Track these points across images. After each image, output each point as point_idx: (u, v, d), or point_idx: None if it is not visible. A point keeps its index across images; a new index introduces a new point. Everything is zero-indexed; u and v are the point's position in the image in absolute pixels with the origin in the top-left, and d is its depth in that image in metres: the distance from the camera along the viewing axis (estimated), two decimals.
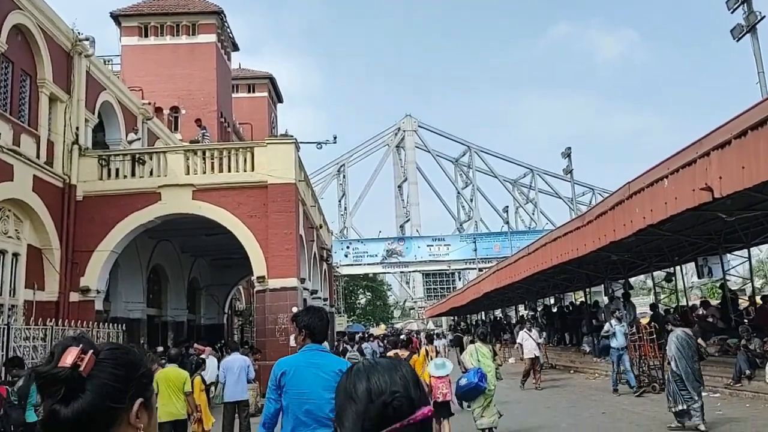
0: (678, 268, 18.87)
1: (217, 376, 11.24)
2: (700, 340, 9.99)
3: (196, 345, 10.83)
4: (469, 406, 9.20)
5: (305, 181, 20.73)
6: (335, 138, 22.06)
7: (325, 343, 4.12)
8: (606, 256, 17.47)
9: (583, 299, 26.51)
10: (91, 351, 1.24)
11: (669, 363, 9.36)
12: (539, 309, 30.05)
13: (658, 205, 11.00)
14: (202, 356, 13.79)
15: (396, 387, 1.17)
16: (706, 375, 12.99)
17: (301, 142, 18.74)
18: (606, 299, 21.03)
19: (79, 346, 1.23)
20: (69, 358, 1.21)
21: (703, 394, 11.69)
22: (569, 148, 27.71)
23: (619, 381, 13.71)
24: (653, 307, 18.83)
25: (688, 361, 9.02)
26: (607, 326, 12.98)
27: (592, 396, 13.11)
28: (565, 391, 14.27)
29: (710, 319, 15.21)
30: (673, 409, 9.08)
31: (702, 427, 8.78)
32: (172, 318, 24.77)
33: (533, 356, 15.99)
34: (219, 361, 12.98)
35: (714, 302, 17.97)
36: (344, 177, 78.57)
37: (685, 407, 8.86)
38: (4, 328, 12.02)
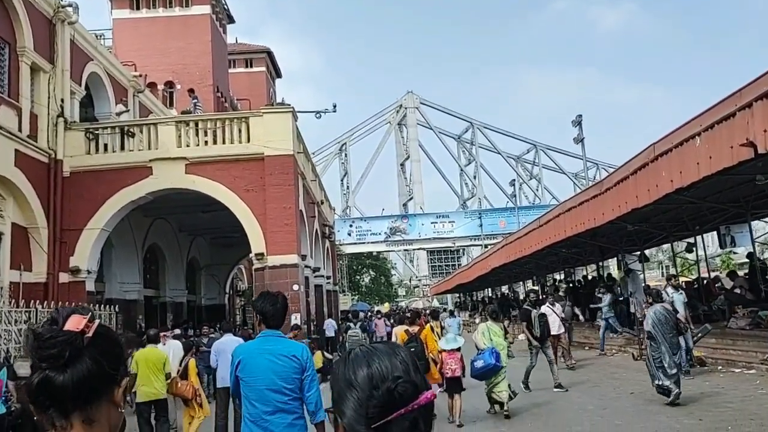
0: (699, 237, 17.93)
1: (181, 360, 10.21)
2: (679, 316, 10.18)
3: (162, 334, 10.14)
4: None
5: (304, 154, 19.77)
6: (335, 106, 21.05)
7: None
8: (622, 226, 16.53)
9: (594, 274, 25.68)
10: (97, 321, 1.25)
11: (647, 339, 9.31)
12: (548, 284, 29.24)
13: (689, 167, 10.05)
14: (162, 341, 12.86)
15: (398, 372, 1.15)
16: (737, 350, 12.25)
17: (299, 112, 17.82)
18: (621, 272, 20.15)
19: (87, 315, 1.25)
20: (76, 324, 1.22)
21: (736, 370, 10.95)
22: (580, 116, 26.59)
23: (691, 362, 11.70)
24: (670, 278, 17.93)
25: (665, 336, 8.88)
26: (662, 296, 11.72)
27: (614, 374, 12.27)
28: (585, 370, 13.44)
29: (738, 291, 14.33)
30: (657, 382, 8.88)
31: (675, 390, 8.56)
32: (171, 299, 24.02)
33: (557, 333, 14.82)
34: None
35: (741, 273, 17.04)
36: (346, 156, 77.56)
37: (660, 383, 8.75)
38: None
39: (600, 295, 18.23)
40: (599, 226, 15.17)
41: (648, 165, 11.57)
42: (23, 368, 8.20)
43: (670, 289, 11.98)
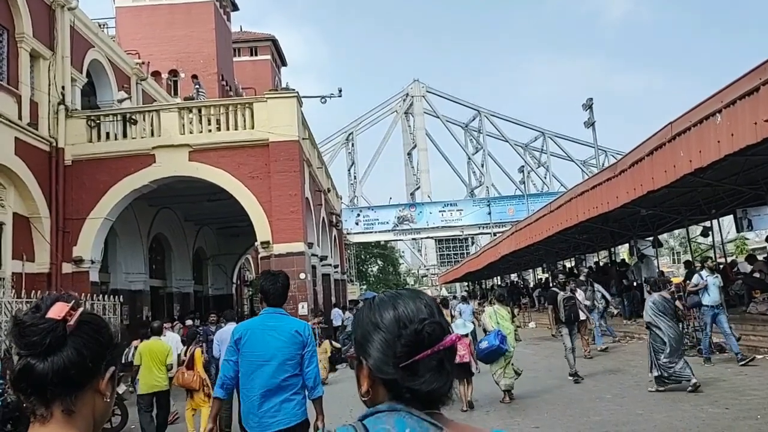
0: (715, 221, 17.50)
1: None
2: (677, 303, 9.93)
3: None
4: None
5: (310, 140, 19.41)
6: (340, 91, 20.63)
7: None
8: (635, 211, 16.14)
9: (606, 260, 25.29)
10: (81, 309, 1.23)
11: (647, 329, 9.26)
12: (558, 270, 28.83)
13: (709, 146, 9.65)
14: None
15: (423, 314, 1.17)
16: (758, 336, 11.87)
17: (304, 97, 17.44)
18: (634, 258, 19.75)
19: (70, 303, 1.22)
20: (58, 311, 1.20)
21: (758, 356, 10.57)
22: (591, 99, 26.06)
23: (711, 348, 11.25)
24: (688, 264, 17.54)
25: (667, 324, 8.82)
26: (696, 278, 11.12)
27: (630, 362, 11.90)
28: (600, 357, 13.06)
29: (757, 275, 13.91)
30: (649, 375, 8.88)
31: (693, 381, 8.38)
32: (177, 289, 23.79)
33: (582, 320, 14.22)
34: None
35: (761, 257, 16.59)
36: (353, 145, 77.06)
37: (660, 373, 8.65)
38: None
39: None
40: (612, 210, 14.79)
41: (665, 145, 11.18)
42: None
43: (705, 272, 11.25)
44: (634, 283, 18.12)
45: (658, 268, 18.72)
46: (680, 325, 9.74)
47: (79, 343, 1.21)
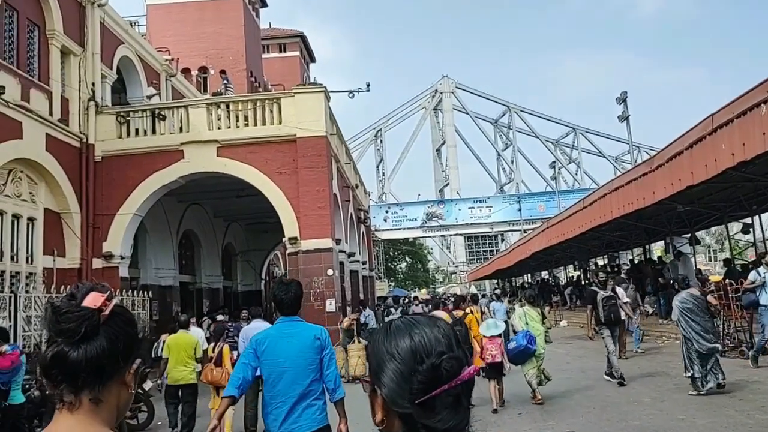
0: (756, 218, 16.87)
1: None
2: (710, 298, 9.42)
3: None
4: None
5: (338, 135, 19.25)
6: (368, 85, 20.43)
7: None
8: (671, 207, 15.63)
9: (640, 258, 24.68)
10: (114, 300, 1.26)
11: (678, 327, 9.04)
12: (591, 269, 28.28)
13: (753, 138, 9.20)
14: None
15: (441, 347, 1.14)
16: None
17: (332, 92, 17.23)
18: (670, 255, 19.19)
19: (104, 293, 1.25)
20: (93, 301, 1.22)
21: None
22: (625, 92, 25.36)
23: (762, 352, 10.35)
24: (727, 262, 16.94)
25: (695, 323, 8.55)
26: (753, 275, 10.43)
27: (667, 363, 11.47)
28: (636, 358, 12.62)
29: None
30: (685, 375, 8.65)
31: (718, 380, 8.18)
32: (206, 285, 23.90)
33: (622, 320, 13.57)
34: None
35: None
36: (381, 142, 76.67)
37: (692, 374, 8.44)
38: (10, 297, 11.03)
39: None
40: (648, 206, 14.32)
41: (706, 138, 10.72)
42: None
43: (762, 269, 10.45)
44: (671, 281, 17.54)
45: (696, 265, 18.13)
46: (714, 322, 9.39)
47: (111, 333, 1.23)
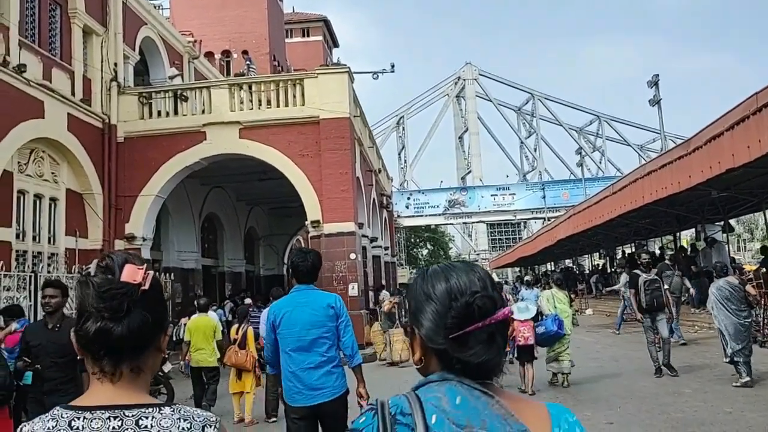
0: None
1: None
2: (749, 287, 9.17)
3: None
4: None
5: (361, 118, 18.92)
6: (393, 66, 19.99)
7: None
8: (704, 193, 15.04)
9: (670, 246, 24.05)
10: (151, 272, 1.25)
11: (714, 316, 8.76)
12: (618, 257, 27.69)
13: None
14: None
15: (475, 287, 1.18)
16: None
17: (356, 72, 16.90)
18: (702, 242, 18.59)
19: (143, 265, 1.25)
20: (132, 275, 1.22)
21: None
22: (656, 76, 24.59)
23: None
24: (764, 250, 16.34)
25: (731, 313, 8.30)
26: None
27: (704, 353, 11.01)
28: (673, 348, 12.04)
29: None
30: (725, 360, 8.45)
31: (744, 378, 7.85)
32: (229, 268, 23.82)
33: None
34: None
35: None
36: (403, 129, 76.16)
37: (732, 358, 8.24)
38: (30, 276, 10.92)
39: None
40: (682, 192, 13.77)
41: (749, 118, 10.18)
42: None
43: None
44: (704, 269, 16.99)
45: (729, 254, 17.54)
46: (751, 313, 8.98)
47: (150, 304, 1.24)
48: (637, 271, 9.58)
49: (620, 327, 16.13)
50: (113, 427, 1.17)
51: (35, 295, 10.79)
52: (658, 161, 15.20)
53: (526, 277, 15.08)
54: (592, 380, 9.05)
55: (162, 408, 1.22)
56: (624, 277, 18.25)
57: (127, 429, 1.18)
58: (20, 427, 1.22)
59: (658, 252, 24.19)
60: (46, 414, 1.20)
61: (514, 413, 1.10)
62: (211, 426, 1.23)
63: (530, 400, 1.21)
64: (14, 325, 6.31)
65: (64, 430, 1.17)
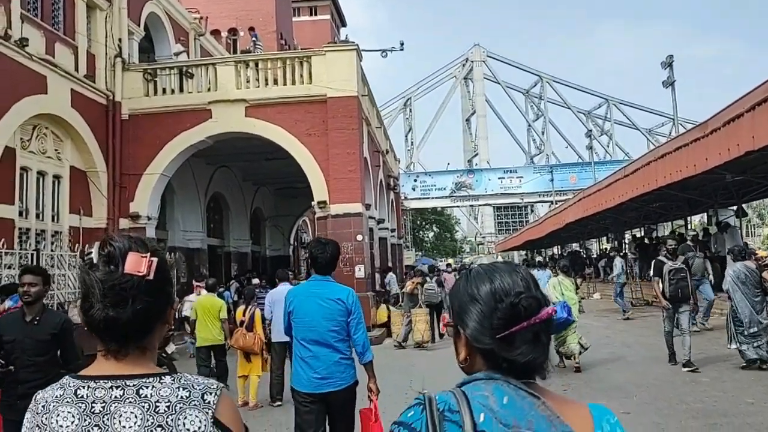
0: None
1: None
2: (765, 273, 8.78)
3: (196, 284, 10.23)
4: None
5: (369, 98, 18.58)
6: (402, 44, 19.58)
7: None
8: (718, 177, 14.70)
9: (681, 230, 23.73)
10: (153, 256, 1.26)
11: (728, 300, 8.68)
12: (628, 240, 27.37)
13: None
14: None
15: (519, 288, 1.19)
16: None
17: (364, 50, 16.55)
18: (713, 226, 18.27)
19: (147, 254, 1.25)
20: (136, 266, 1.22)
21: None
22: (671, 57, 24.11)
23: None
24: None
25: (746, 297, 8.24)
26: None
27: (718, 340, 10.74)
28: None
29: None
30: (728, 347, 8.52)
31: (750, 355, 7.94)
32: (235, 249, 23.70)
33: None
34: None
35: None
36: (410, 111, 75.73)
37: (737, 347, 8.26)
38: (32, 254, 10.76)
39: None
40: (698, 175, 13.43)
41: None
42: (76, 315, 7.65)
43: None
44: (717, 254, 16.69)
45: (743, 239, 17.20)
46: (766, 299, 8.66)
47: (156, 287, 1.25)
48: (662, 258, 9.04)
49: (627, 310, 16.06)
50: (115, 396, 1.21)
51: None
52: (673, 143, 14.84)
53: (538, 258, 14.85)
54: (605, 367, 8.85)
55: (162, 377, 1.24)
56: (619, 264, 18.11)
57: (128, 398, 1.21)
58: (36, 393, 1.28)
59: (694, 232, 23.91)
60: (56, 383, 1.26)
61: (559, 415, 1.11)
62: (211, 393, 1.24)
63: (573, 400, 1.21)
64: (7, 303, 6.12)
65: (70, 397, 1.23)
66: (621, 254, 22.41)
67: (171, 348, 9.07)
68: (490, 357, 1.17)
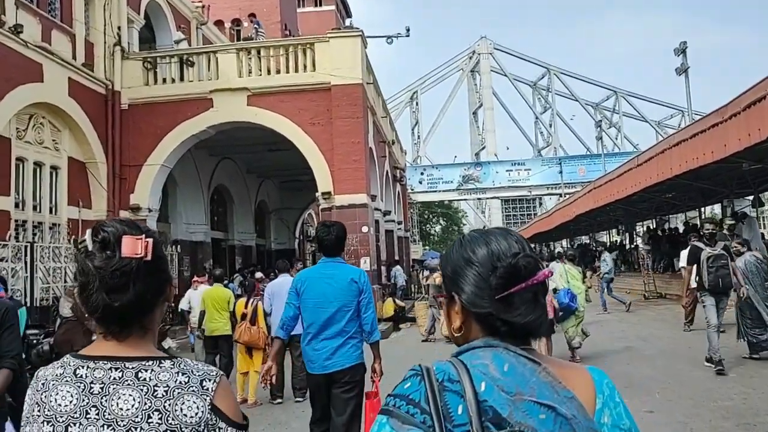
0: None
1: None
2: None
3: (194, 279, 9.96)
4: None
5: (374, 86, 18.16)
6: (408, 30, 19.12)
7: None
8: (735, 165, 14.22)
9: (694, 222, 23.22)
10: (147, 237, 1.25)
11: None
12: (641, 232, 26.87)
13: None
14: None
15: (515, 249, 1.17)
16: None
17: (369, 37, 16.09)
18: (729, 217, 17.76)
19: (141, 236, 1.24)
20: (132, 249, 1.21)
21: None
22: (684, 43, 23.49)
23: None
24: None
25: (756, 288, 8.06)
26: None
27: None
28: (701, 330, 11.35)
29: None
30: (743, 339, 8.25)
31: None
32: (239, 242, 23.36)
33: None
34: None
35: None
36: (417, 104, 75.24)
37: (747, 339, 8.08)
38: (26, 246, 10.42)
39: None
40: (715, 162, 12.94)
41: None
42: (66, 309, 7.33)
43: None
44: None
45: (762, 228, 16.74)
46: None
47: (153, 268, 1.25)
48: (699, 244, 8.01)
49: (629, 305, 16.01)
50: (114, 378, 1.21)
51: (32, 265, 10.31)
52: (689, 130, 14.34)
53: (557, 250, 14.45)
54: (624, 362, 8.42)
55: (162, 361, 1.23)
56: (608, 260, 17.72)
57: (126, 381, 1.21)
58: (38, 370, 1.26)
59: (687, 225, 23.37)
60: (57, 361, 1.26)
61: (561, 380, 1.08)
62: (210, 380, 1.23)
63: (573, 364, 1.19)
64: None
65: (69, 377, 1.22)
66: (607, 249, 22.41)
67: (168, 343, 8.74)
68: (487, 322, 1.14)
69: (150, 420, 1.17)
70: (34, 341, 6.98)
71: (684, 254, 10.14)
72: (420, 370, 1.10)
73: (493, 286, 1.12)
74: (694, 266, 7.83)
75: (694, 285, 8.00)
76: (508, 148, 70.65)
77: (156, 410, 1.18)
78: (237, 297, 12.55)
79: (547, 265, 10.27)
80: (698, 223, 23.01)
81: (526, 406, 1.02)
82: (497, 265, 1.14)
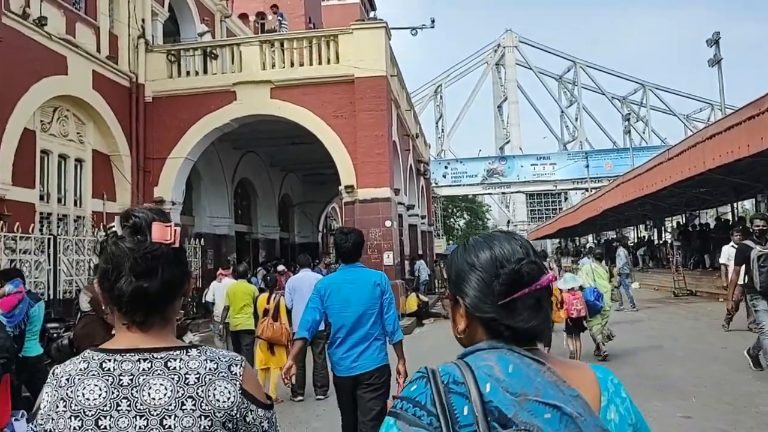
0: None
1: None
2: None
3: (219, 272, 9.83)
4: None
5: (398, 78, 17.93)
6: (433, 21, 18.83)
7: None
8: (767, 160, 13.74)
9: (726, 218, 22.64)
10: (178, 228, 1.28)
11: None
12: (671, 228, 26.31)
13: None
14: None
15: (519, 254, 1.18)
16: None
17: (393, 28, 15.87)
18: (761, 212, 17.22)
19: (170, 222, 1.27)
20: (162, 235, 1.24)
21: None
22: (717, 33, 22.83)
23: None
24: None
25: None
26: None
27: None
28: (738, 330, 10.93)
29: None
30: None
31: None
32: (263, 235, 23.36)
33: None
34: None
35: None
36: (441, 98, 74.83)
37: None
38: (50, 239, 10.43)
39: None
40: (752, 156, 12.52)
41: None
42: (85, 303, 7.25)
43: None
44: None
45: None
46: None
47: (179, 255, 1.29)
48: (749, 242, 7.31)
49: (634, 304, 15.73)
50: (143, 369, 1.22)
51: (55, 258, 10.32)
52: (723, 123, 13.90)
53: (589, 245, 14.27)
54: (657, 363, 8.13)
55: (189, 350, 1.26)
56: (623, 255, 17.28)
57: (156, 370, 1.22)
58: (54, 367, 1.25)
59: (719, 221, 22.82)
60: (78, 356, 1.24)
61: (565, 379, 1.08)
62: (237, 365, 1.26)
63: (577, 363, 1.20)
64: (8, 287, 5.71)
65: (95, 371, 1.21)
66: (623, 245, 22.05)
67: (189, 337, 8.66)
68: (491, 326, 1.15)
69: (184, 407, 1.19)
70: (54, 335, 6.94)
71: (726, 250, 9.57)
72: (426, 372, 1.11)
73: (496, 292, 1.13)
74: (743, 266, 7.12)
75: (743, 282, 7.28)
76: (545, 138, 69.84)
77: (189, 397, 1.20)
78: (260, 291, 12.50)
79: (570, 263, 10.24)
80: (729, 218, 22.44)
81: (531, 405, 1.03)
82: (500, 271, 1.14)
